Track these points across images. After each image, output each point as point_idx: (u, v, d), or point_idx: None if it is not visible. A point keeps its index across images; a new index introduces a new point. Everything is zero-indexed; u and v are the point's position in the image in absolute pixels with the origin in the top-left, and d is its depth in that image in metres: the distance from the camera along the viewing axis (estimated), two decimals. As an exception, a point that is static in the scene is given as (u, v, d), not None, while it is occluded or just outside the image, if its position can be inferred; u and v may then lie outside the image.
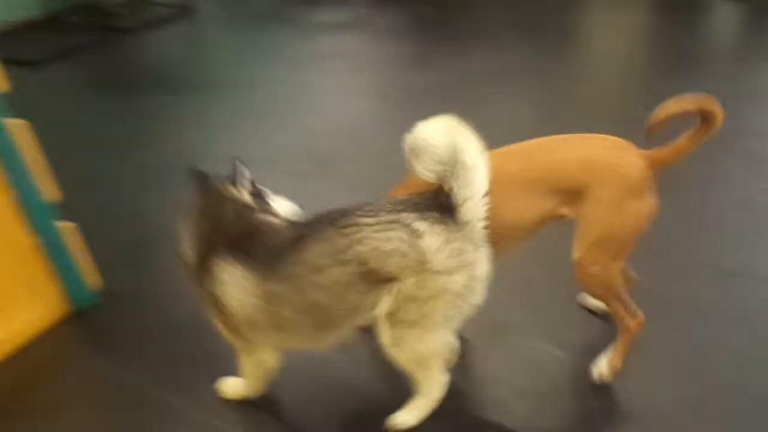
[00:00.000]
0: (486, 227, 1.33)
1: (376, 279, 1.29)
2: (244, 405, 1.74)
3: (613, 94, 3.35)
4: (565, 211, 1.53)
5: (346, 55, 4.10)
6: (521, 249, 1.68)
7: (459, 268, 1.30)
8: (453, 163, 1.22)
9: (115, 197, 2.90)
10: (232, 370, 1.73)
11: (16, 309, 2.01)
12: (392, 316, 1.36)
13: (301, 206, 1.50)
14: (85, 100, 4.22)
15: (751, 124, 2.80)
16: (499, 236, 1.43)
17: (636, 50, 3.89)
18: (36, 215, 1.98)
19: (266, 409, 1.74)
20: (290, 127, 3.28)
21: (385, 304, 1.33)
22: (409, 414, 1.61)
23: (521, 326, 1.92)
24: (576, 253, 1.55)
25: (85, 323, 2.12)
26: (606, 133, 1.56)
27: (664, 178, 1.52)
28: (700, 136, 1.45)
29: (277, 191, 1.51)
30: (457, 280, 1.32)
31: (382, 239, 1.25)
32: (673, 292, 1.99)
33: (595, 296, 1.71)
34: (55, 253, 2.05)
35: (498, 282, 1.46)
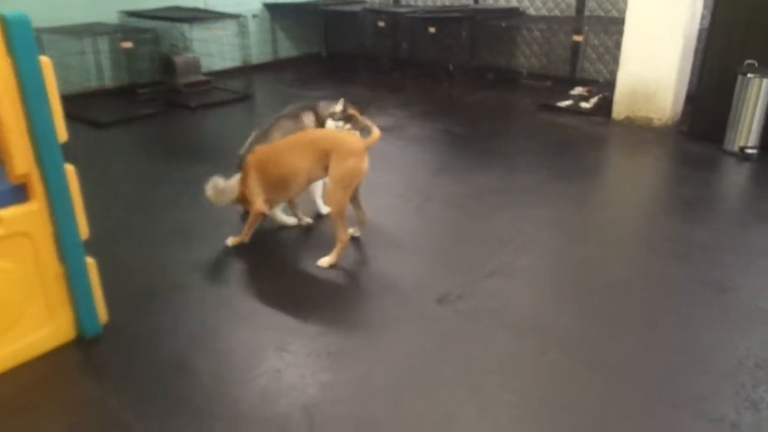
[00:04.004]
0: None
1: None
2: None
3: (616, 225, 3.56)
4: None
5: (379, 154, 4.49)
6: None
7: None
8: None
9: (138, 247, 3.22)
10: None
11: (30, 327, 2.27)
12: None
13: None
14: (136, 160, 4.70)
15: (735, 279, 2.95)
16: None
17: (648, 192, 4.14)
18: (68, 248, 2.28)
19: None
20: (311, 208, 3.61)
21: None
22: None
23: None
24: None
25: (86, 351, 2.36)
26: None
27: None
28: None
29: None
30: None
31: None
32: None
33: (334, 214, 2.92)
34: (76, 283, 2.33)
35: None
